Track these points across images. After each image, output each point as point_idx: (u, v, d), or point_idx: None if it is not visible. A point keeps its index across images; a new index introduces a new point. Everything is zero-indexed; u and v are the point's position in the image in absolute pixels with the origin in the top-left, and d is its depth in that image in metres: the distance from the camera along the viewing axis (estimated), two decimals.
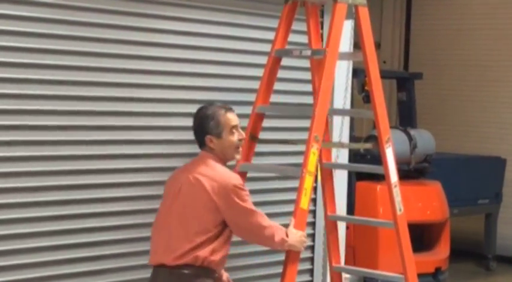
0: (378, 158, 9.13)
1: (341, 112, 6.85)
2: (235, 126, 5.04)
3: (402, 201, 5.77)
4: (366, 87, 9.50)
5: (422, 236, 9.50)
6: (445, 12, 12.97)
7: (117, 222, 5.78)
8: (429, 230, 9.51)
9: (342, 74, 7.09)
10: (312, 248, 7.12)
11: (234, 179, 4.94)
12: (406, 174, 9.44)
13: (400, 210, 5.74)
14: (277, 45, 5.87)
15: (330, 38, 5.54)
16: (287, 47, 5.99)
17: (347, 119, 7.26)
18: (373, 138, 9.29)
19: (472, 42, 12.68)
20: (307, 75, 6.42)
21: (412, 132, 9.53)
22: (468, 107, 12.68)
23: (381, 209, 8.87)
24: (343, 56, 6.15)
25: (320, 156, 5.89)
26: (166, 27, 6.01)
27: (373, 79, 5.72)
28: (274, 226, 5.02)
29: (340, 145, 6.55)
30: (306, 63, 6.46)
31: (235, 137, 5.04)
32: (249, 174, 5.96)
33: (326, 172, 6.19)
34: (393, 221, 5.80)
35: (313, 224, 7.10)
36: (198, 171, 4.91)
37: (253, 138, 5.83)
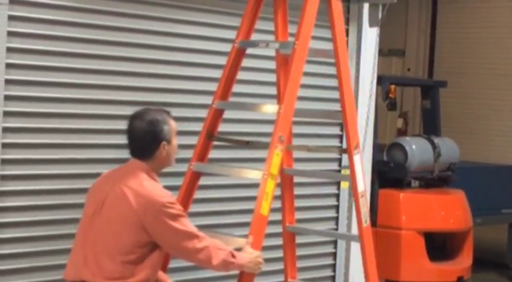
0: (402, 166, 9.25)
1: (308, 113, 6.26)
2: (176, 132, 4.57)
3: (368, 213, 5.24)
4: (390, 95, 9.51)
5: (445, 245, 9.46)
6: (471, 20, 12.92)
7: None
8: (452, 239, 9.46)
9: (366, 81, 7.09)
10: (334, 254, 7.12)
11: (164, 196, 4.29)
12: (430, 182, 9.42)
13: (366, 222, 5.24)
14: (242, 36, 5.29)
15: (300, 32, 4.98)
16: (253, 38, 5.41)
17: (370, 126, 7.24)
18: (397, 146, 9.31)
19: (497, 50, 12.62)
20: None
21: (436, 140, 9.49)
22: (492, 115, 12.62)
23: (404, 217, 8.83)
24: (314, 53, 5.62)
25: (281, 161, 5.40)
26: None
27: (344, 79, 5.21)
28: (212, 247, 4.33)
29: (306, 148, 5.78)
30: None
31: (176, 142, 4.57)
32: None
33: (286, 179, 5.60)
34: (358, 234, 5.24)
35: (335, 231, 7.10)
36: (125, 183, 4.31)
37: (210, 137, 5.26)
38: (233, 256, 4.39)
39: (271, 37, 5.55)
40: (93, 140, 5.62)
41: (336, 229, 7.10)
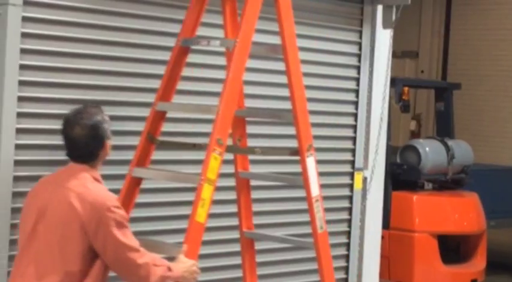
0: (415, 168, 9.22)
1: (256, 113, 5.85)
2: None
3: (324, 219, 5.02)
4: (403, 97, 9.50)
5: (458, 248, 9.44)
6: (485, 21, 12.87)
7: None
8: (466, 241, 9.44)
9: (380, 83, 7.08)
10: (346, 257, 7.10)
11: (110, 200, 4.10)
12: (443, 185, 9.39)
13: (321, 228, 4.96)
14: (184, 34, 5.03)
15: (241, 29, 4.73)
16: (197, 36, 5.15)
17: (384, 129, 7.22)
18: (410, 148, 9.29)
19: (511, 52, 12.56)
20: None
21: (450, 142, 9.47)
22: (507, 118, 12.57)
23: (417, 220, 8.81)
24: (259, 50, 5.40)
25: (236, 164, 5.36)
26: None
27: (293, 76, 4.93)
28: (151, 264, 4.13)
29: (251, 151, 5.32)
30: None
31: None
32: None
33: (242, 182, 5.37)
34: (313, 240, 5.01)
35: (348, 233, 7.09)
36: (68, 187, 4.11)
37: (151, 140, 4.98)
38: (170, 270, 4.23)
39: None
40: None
41: (349, 231, 7.08)
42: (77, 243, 4.02)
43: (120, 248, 4.05)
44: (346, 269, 7.09)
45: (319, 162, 6.70)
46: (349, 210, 7.04)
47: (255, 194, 5.63)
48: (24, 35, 5.13)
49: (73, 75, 5.38)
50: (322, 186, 6.72)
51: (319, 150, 6.69)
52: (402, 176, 9.08)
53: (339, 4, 6.76)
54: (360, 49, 6.96)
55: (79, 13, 5.39)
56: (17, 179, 5.16)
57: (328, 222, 6.89)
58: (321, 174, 6.73)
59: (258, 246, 5.65)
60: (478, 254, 9.43)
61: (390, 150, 8.45)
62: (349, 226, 7.08)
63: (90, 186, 4.12)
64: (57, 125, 5.27)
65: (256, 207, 5.63)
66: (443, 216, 9.07)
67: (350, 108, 6.98)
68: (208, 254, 5.90)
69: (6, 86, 5.05)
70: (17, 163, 5.15)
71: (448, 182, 9.45)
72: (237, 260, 5.66)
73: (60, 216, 4.05)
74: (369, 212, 7.12)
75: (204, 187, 4.48)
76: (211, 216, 5.23)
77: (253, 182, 5.59)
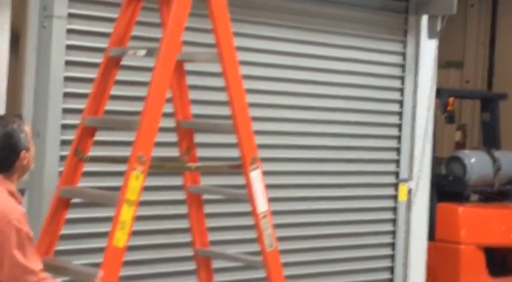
0: (461, 180, 9.13)
1: (195, 125, 5.04)
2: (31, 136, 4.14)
3: (274, 236, 4.60)
4: (448, 107, 9.42)
5: (505, 260, 9.32)
6: None
7: None
8: None
9: (424, 93, 7.03)
10: (391, 269, 7.03)
11: (15, 214, 3.79)
12: (489, 196, 9.29)
13: (270, 245, 4.57)
14: (114, 43, 4.63)
15: (165, 36, 4.29)
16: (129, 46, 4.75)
17: (429, 140, 7.17)
18: (456, 159, 9.20)
19: None
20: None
21: (496, 153, 9.37)
22: None
23: (463, 232, 8.72)
24: (194, 57, 5.03)
25: (185, 179, 4.95)
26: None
27: (231, 83, 4.47)
28: None
29: (184, 167, 4.90)
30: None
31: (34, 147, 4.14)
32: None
33: (193, 197, 4.97)
34: (262, 259, 4.59)
35: (392, 245, 7.03)
36: None
37: (79, 156, 4.60)
38: None
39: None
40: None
41: (394, 243, 7.02)
42: None
43: (18, 268, 3.73)
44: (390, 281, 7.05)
45: (363, 173, 6.72)
46: (394, 221, 6.99)
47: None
48: (69, 47, 5.18)
49: (117, 87, 5.38)
50: (366, 197, 6.73)
51: (363, 161, 6.69)
52: (447, 187, 8.99)
53: (383, 14, 6.74)
54: (404, 59, 6.92)
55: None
56: None
57: (372, 234, 6.90)
58: (364, 185, 6.77)
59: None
60: None
61: (435, 161, 8.38)
62: (394, 238, 7.03)
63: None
64: (104, 136, 5.31)
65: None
66: (490, 228, 8.96)
67: (394, 119, 6.94)
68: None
69: (51, 98, 5.10)
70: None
71: (494, 194, 9.34)
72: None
73: None
74: (413, 223, 7.07)
75: (123, 208, 4.08)
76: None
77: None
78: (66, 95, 5.17)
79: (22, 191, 4.31)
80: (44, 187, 5.10)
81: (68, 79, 5.18)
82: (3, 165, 3.95)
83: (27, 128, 4.03)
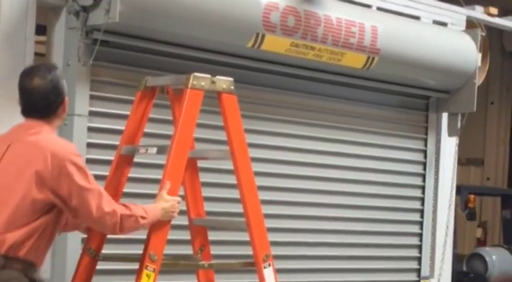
0: (482, 277, 9.07)
1: (209, 223, 4.95)
2: None
3: None
4: (469, 205, 9.43)
5: None
6: None
7: None
8: None
9: (445, 191, 7.05)
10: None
11: (72, 147, 3.97)
12: None
13: None
14: (125, 141, 4.63)
15: (177, 133, 4.32)
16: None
17: (450, 236, 7.16)
18: (477, 256, 9.17)
19: None
20: None
21: None
22: None
23: None
24: (207, 154, 5.00)
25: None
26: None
27: (243, 182, 4.47)
28: (118, 212, 3.95)
29: (196, 265, 4.74)
30: None
31: None
32: None
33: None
34: None
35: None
36: (25, 140, 3.90)
37: (92, 254, 4.51)
38: (143, 218, 4.05)
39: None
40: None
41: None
42: (27, 192, 3.81)
43: (89, 193, 3.86)
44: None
45: (385, 270, 6.69)
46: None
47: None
48: (90, 145, 5.11)
49: (135, 184, 5.21)
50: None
51: (384, 258, 6.68)
52: None
53: (404, 112, 6.82)
54: (425, 157, 6.97)
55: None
56: None
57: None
58: None
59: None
60: None
61: (456, 259, 8.36)
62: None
63: (51, 136, 3.96)
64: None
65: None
66: None
67: (415, 217, 6.95)
68: None
69: None
70: None
71: None
72: None
73: (15, 166, 3.85)
74: None
75: None
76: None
77: None
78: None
79: None
80: None
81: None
82: (48, 109, 3.97)
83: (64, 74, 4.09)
